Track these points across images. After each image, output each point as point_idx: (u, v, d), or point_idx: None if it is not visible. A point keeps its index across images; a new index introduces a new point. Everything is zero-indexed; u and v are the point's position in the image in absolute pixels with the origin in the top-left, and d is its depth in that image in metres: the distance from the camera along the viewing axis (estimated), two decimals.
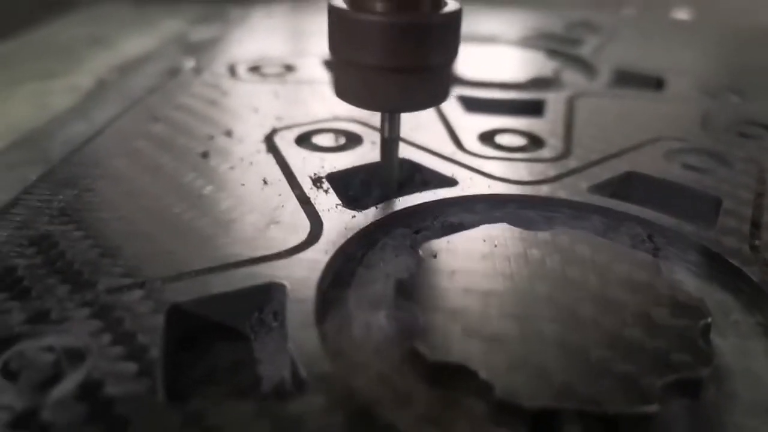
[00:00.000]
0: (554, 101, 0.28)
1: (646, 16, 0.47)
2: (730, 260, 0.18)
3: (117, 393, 0.13)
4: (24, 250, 0.17)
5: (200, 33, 0.47)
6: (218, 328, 0.16)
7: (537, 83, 0.31)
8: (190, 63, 0.35)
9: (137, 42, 0.47)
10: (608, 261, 0.17)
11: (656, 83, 0.32)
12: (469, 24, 0.43)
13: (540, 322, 0.15)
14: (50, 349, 0.14)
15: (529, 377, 0.13)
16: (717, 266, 0.18)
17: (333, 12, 0.18)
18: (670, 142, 0.25)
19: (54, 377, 0.13)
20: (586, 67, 0.34)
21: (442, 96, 0.19)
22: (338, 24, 0.18)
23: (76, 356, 0.14)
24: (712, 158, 0.24)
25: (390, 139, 0.20)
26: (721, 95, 0.31)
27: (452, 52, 0.19)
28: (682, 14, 0.48)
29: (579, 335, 0.14)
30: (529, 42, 0.38)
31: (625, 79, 0.33)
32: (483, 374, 0.13)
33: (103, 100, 0.33)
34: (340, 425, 0.12)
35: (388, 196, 0.20)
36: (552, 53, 0.36)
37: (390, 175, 0.21)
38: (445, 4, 0.18)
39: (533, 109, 0.28)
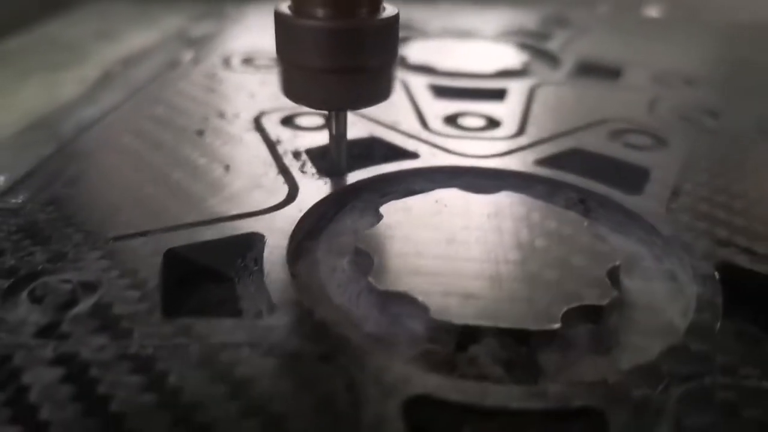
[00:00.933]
0: (516, 89, 0.31)
1: (618, 13, 0.50)
2: (647, 218, 0.21)
3: (123, 312, 0.16)
4: (44, 208, 0.20)
5: (199, 29, 0.50)
6: (208, 271, 0.19)
7: (504, 74, 0.34)
8: (188, 55, 0.38)
9: (140, 37, 0.50)
10: (540, 218, 0.20)
11: (615, 73, 0.35)
12: (450, 20, 0.46)
13: (473, 263, 0.18)
14: (68, 281, 0.17)
15: (458, 302, 0.16)
16: (636, 224, 0.21)
17: (278, 18, 0.20)
18: (616, 123, 0.28)
19: (71, 302, 0.16)
20: (552, 59, 0.37)
21: (385, 94, 0.21)
22: (283, 29, 0.20)
23: (89, 287, 0.17)
24: (651, 138, 0.27)
25: (337, 135, 0.22)
26: (673, 84, 0.34)
27: (391, 54, 0.20)
28: (653, 12, 0.51)
29: (505, 273, 0.17)
30: (503, 36, 0.41)
31: (586, 70, 0.36)
32: (420, 299, 0.16)
33: (109, 89, 0.36)
34: (302, 336, 0.15)
35: (357, 166, 0.23)
36: (523, 47, 0.39)
37: (339, 166, 0.23)
38: (384, 9, 0.20)
39: (497, 96, 0.31)
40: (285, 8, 0.20)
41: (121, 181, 0.22)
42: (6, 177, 0.23)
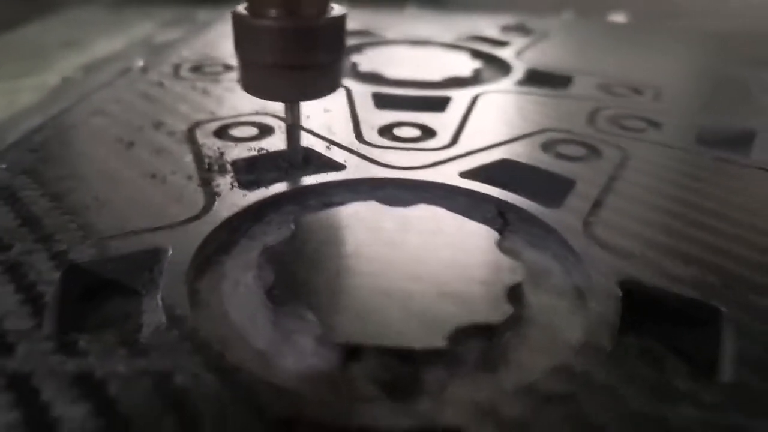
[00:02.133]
0: (460, 98, 0.31)
1: (582, 20, 0.50)
2: (562, 233, 0.21)
3: (10, 327, 0.16)
4: None
5: (165, 35, 0.50)
6: (117, 285, 0.19)
7: (452, 82, 0.34)
8: (139, 62, 0.38)
9: (107, 44, 0.50)
10: (451, 232, 0.20)
11: (564, 82, 0.35)
12: (411, 26, 0.46)
13: (373, 279, 0.18)
14: None
15: (349, 320, 0.16)
16: (551, 238, 0.21)
17: (235, 19, 0.21)
18: (552, 133, 0.28)
19: None
20: (503, 66, 0.37)
21: (334, 86, 0.23)
22: (240, 29, 0.21)
23: None
24: (584, 148, 0.27)
25: (293, 125, 0.24)
26: (621, 93, 0.34)
27: (339, 50, 0.22)
28: (618, 18, 0.50)
29: (403, 290, 0.17)
30: (460, 43, 0.41)
31: (536, 78, 0.36)
32: (311, 316, 0.16)
33: (64, 97, 0.36)
34: (180, 355, 0.15)
35: (282, 179, 0.23)
36: (477, 54, 0.39)
37: (295, 155, 0.25)
38: (332, 8, 0.22)
39: (439, 105, 0.31)
40: (242, 10, 0.21)
41: (42, 194, 0.22)
42: None
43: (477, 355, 0.16)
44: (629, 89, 0.34)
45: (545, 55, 0.40)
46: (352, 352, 0.16)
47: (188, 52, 0.40)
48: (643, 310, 0.18)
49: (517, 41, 0.42)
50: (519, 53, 0.40)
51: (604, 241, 0.20)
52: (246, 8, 0.21)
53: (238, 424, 0.13)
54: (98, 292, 0.19)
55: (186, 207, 0.21)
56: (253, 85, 0.22)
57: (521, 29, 0.45)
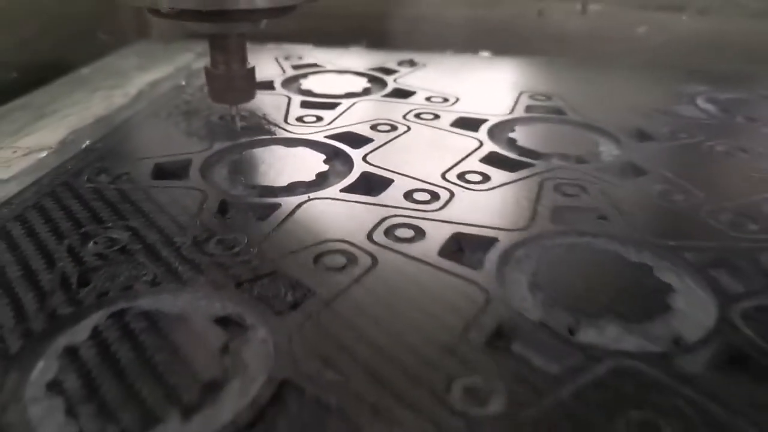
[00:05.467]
0: (345, 103, 0.60)
1: (458, 55, 0.78)
2: (353, 159, 0.49)
3: (134, 177, 0.45)
4: (108, 151, 0.50)
5: (199, 63, 0.80)
6: (172, 172, 0.48)
7: (348, 95, 0.63)
8: (182, 81, 0.68)
9: (164, 68, 0.81)
10: (306, 156, 0.49)
11: (409, 95, 0.63)
12: (344, 60, 0.75)
13: (267, 167, 0.47)
14: (122, 170, 0.47)
15: (259, 179, 0.45)
16: (348, 161, 0.49)
17: (205, 69, 0.50)
18: (379, 121, 0.56)
19: (119, 177, 0.46)
20: (383, 86, 0.66)
21: (251, 97, 0.51)
22: (207, 73, 0.50)
23: (125, 173, 0.47)
24: (390, 127, 0.55)
25: (234, 115, 0.53)
26: (434, 101, 0.62)
27: (252, 82, 0.51)
28: (485, 54, 0.79)
29: (277, 170, 0.46)
30: (366, 72, 0.70)
31: (395, 93, 0.64)
32: (243, 179, 0.45)
33: (140, 101, 0.66)
34: (192, 189, 0.44)
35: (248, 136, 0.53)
36: (372, 78, 0.68)
37: (235, 129, 0.53)
38: (249, 63, 0.50)
39: (333, 106, 0.60)
40: (207, 64, 0.50)
41: (141, 140, 0.52)
42: (89, 142, 0.54)
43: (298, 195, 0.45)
44: (442, 99, 0.62)
45: (413, 79, 0.68)
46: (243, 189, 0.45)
47: None
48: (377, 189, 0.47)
49: (403, 71, 0.71)
50: (396, 78, 0.68)
51: (371, 163, 0.49)
52: (209, 64, 0.50)
53: (208, 209, 0.42)
54: (166, 173, 0.48)
55: (201, 143, 0.51)
56: (214, 96, 0.51)
57: (410, 63, 0.74)
